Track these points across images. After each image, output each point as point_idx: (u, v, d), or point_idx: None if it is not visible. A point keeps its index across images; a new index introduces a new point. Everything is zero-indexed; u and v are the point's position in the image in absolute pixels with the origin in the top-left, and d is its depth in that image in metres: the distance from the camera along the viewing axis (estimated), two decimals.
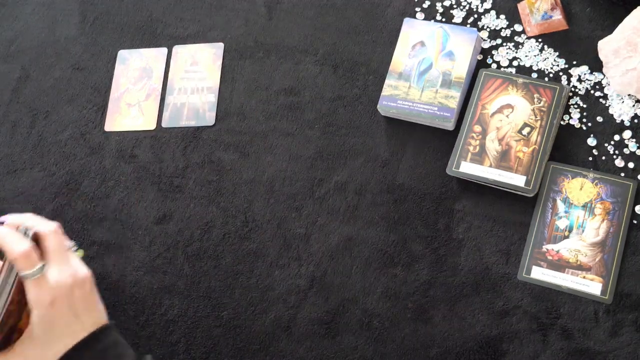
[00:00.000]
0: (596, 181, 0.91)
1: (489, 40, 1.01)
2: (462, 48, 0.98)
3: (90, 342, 0.72)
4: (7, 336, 0.70)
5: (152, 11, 1.14)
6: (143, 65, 1.11)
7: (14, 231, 0.73)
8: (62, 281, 0.73)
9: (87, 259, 1.00)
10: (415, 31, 1.01)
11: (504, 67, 0.99)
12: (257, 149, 1.03)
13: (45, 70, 1.14)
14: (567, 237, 0.89)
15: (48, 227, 0.76)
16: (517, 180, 0.91)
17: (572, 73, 0.97)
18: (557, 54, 0.99)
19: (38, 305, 0.71)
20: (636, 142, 0.93)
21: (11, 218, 0.76)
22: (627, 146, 0.93)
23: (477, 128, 0.95)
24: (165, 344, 0.95)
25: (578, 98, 0.96)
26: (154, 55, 1.11)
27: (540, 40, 1.00)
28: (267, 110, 1.05)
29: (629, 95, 0.94)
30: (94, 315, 0.75)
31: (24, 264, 0.71)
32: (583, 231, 0.89)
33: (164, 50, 1.11)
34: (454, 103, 0.96)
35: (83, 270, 0.76)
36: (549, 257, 0.89)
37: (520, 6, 1.02)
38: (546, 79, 0.98)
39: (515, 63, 0.99)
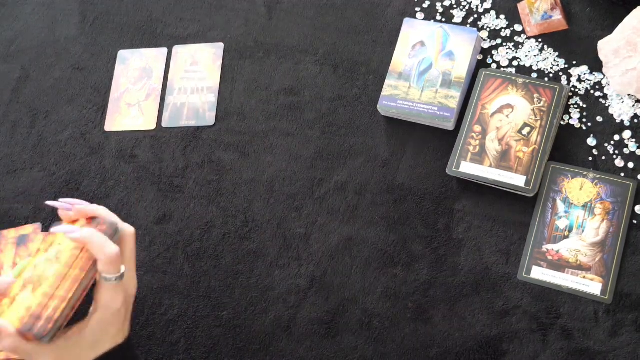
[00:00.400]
0: (596, 181, 0.91)
1: (489, 40, 1.01)
2: (462, 48, 0.98)
3: (125, 346, 0.73)
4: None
5: (152, 11, 1.14)
6: (143, 65, 1.11)
7: (99, 232, 0.72)
8: (132, 291, 0.74)
9: None
10: (415, 31, 1.01)
11: (504, 67, 0.99)
12: (257, 149, 1.03)
13: (45, 70, 1.14)
14: (567, 237, 0.89)
15: (130, 230, 0.76)
16: (517, 180, 0.91)
17: (572, 73, 0.97)
18: (557, 54, 0.99)
19: (106, 310, 0.71)
20: (636, 142, 0.93)
21: (88, 207, 0.75)
22: (627, 146, 0.93)
23: (477, 128, 0.95)
24: (165, 344, 0.95)
25: (578, 98, 0.96)
26: (154, 55, 1.11)
27: (540, 40, 1.00)
28: (267, 110, 1.05)
29: (629, 95, 0.94)
30: (128, 326, 0.76)
31: (110, 268, 0.70)
32: (583, 231, 0.89)
33: (164, 50, 1.11)
34: (454, 103, 0.96)
35: (135, 280, 0.77)
36: (549, 257, 0.89)
37: (520, 6, 1.02)
38: (546, 79, 0.98)
39: (515, 63, 0.99)
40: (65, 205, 0.74)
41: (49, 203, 0.75)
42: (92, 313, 0.71)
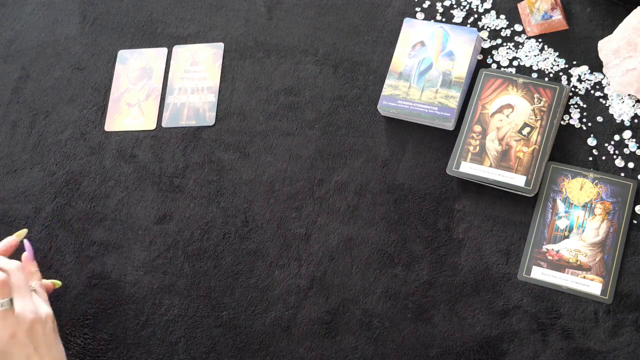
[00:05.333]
0: (596, 181, 0.91)
1: (489, 40, 1.01)
2: (462, 48, 0.98)
3: None
4: None
5: (152, 11, 1.14)
6: (143, 65, 1.11)
7: None
8: (25, 316, 0.74)
9: (86, 260, 1.01)
10: (415, 31, 1.01)
11: (504, 67, 0.99)
12: (257, 149, 1.03)
13: (45, 70, 1.14)
14: (567, 237, 0.89)
15: (11, 265, 0.78)
16: (517, 180, 0.91)
17: (572, 73, 0.97)
18: (557, 54, 0.99)
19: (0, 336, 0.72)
20: (636, 142, 0.93)
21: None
22: (627, 146, 0.93)
23: (477, 128, 0.95)
24: (165, 343, 0.95)
25: (578, 98, 0.96)
26: (154, 55, 1.11)
27: (540, 40, 1.00)
28: (267, 110, 1.05)
29: (629, 95, 0.94)
30: (53, 353, 0.76)
31: None
32: (583, 231, 0.89)
33: (164, 50, 1.11)
34: (454, 103, 0.96)
35: (45, 309, 0.78)
36: (549, 257, 0.89)
37: (520, 6, 1.02)
38: (546, 79, 0.98)
39: (515, 63, 0.99)
40: None
41: None
42: None
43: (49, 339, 0.76)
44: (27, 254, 0.88)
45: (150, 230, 1.01)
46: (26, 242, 0.89)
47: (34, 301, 0.78)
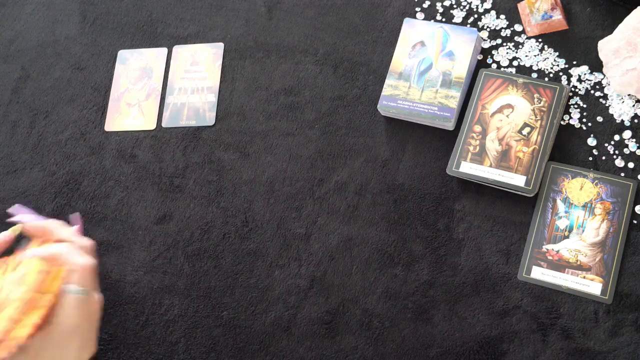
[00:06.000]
0: (596, 181, 0.91)
1: (489, 40, 1.01)
2: (462, 48, 0.98)
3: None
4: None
5: (152, 11, 1.14)
6: (143, 65, 1.11)
7: (72, 245, 0.72)
8: (94, 307, 0.73)
9: None
10: (415, 31, 1.01)
11: (504, 67, 0.99)
12: (257, 149, 1.03)
13: (45, 70, 1.14)
14: (567, 237, 0.89)
15: (86, 243, 0.76)
16: (517, 180, 0.91)
17: (572, 73, 0.97)
18: (557, 54, 0.99)
19: (66, 322, 0.70)
20: (636, 142, 0.93)
21: (38, 223, 0.75)
22: (627, 146, 0.93)
23: (477, 128, 0.95)
24: (165, 343, 0.95)
25: (578, 98, 0.96)
26: (154, 55, 1.11)
27: (540, 40, 1.00)
28: (267, 110, 1.05)
29: (629, 95, 0.94)
30: (94, 344, 0.75)
31: (86, 281, 0.70)
32: (583, 231, 0.89)
33: (164, 50, 1.11)
34: (454, 103, 0.96)
35: (100, 299, 0.77)
36: (549, 257, 0.89)
37: (520, 6, 1.02)
38: (546, 79, 0.98)
39: (515, 63, 0.99)
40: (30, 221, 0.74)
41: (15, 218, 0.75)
42: (49, 327, 0.70)
43: (96, 331, 0.75)
44: (79, 229, 0.82)
45: (150, 230, 1.01)
46: (76, 216, 0.84)
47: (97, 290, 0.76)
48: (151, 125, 1.07)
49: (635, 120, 0.94)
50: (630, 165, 0.92)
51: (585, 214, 0.90)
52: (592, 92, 0.96)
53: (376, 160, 0.99)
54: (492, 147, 0.93)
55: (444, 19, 1.04)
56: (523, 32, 1.01)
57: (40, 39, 1.16)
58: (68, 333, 0.70)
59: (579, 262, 0.88)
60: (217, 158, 1.03)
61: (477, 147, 0.94)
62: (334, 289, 0.94)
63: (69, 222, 0.84)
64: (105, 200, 1.04)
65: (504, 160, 0.92)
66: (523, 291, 0.89)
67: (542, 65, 0.98)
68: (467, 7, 1.04)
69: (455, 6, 1.04)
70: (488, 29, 1.02)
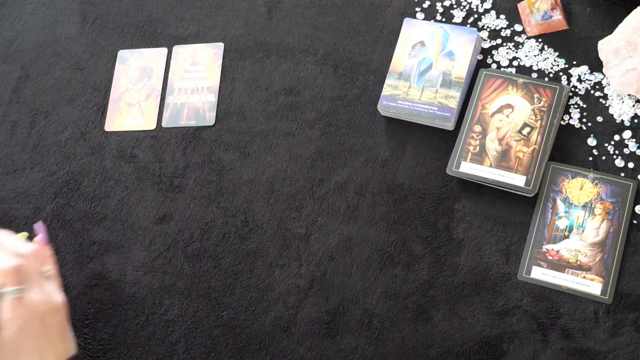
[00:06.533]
0: (596, 181, 0.91)
1: (489, 40, 1.01)
2: (462, 48, 0.98)
3: None
4: None
5: (152, 11, 1.14)
6: (143, 65, 1.11)
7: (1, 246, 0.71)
8: (38, 306, 0.70)
9: (86, 260, 1.01)
10: (415, 31, 1.01)
11: (504, 67, 0.99)
12: (257, 149, 1.03)
13: (45, 70, 1.14)
14: (567, 237, 0.89)
15: (27, 248, 0.74)
16: (517, 180, 0.91)
17: (572, 73, 0.97)
18: (557, 54, 0.99)
19: (10, 325, 0.68)
20: (636, 142, 0.93)
21: None
22: (627, 146, 0.93)
23: (477, 128, 0.95)
24: (165, 344, 0.95)
25: (578, 98, 0.96)
26: (154, 55, 1.11)
27: (540, 40, 1.00)
28: (267, 110, 1.05)
29: (629, 95, 0.94)
30: (65, 344, 0.72)
31: (10, 280, 0.68)
32: (583, 231, 0.89)
33: (164, 50, 1.11)
34: (454, 103, 0.96)
35: (59, 298, 0.74)
36: (549, 257, 0.89)
37: (520, 6, 1.02)
38: (546, 79, 0.98)
39: (515, 63, 0.99)
40: None
41: None
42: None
43: (62, 330, 0.72)
44: (41, 238, 0.82)
45: (150, 230, 1.01)
46: (40, 225, 0.84)
47: (48, 289, 0.73)
48: (151, 125, 1.07)
49: (635, 120, 0.94)
50: (630, 165, 0.92)
51: (585, 214, 0.90)
52: (592, 92, 0.96)
53: (376, 160, 0.99)
54: (492, 147, 0.93)
55: (444, 19, 1.04)
56: (523, 32, 1.01)
57: (40, 39, 1.16)
58: (18, 336, 0.68)
59: (579, 262, 0.88)
60: (217, 158, 1.03)
61: (477, 147, 0.94)
62: (334, 289, 0.94)
63: (34, 232, 0.84)
64: (105, 200, 1.04)
65: (504, 160, 0.92)
66: (523, 291, 0.89)
67: (542, 65, 0.98)
68: (467, 7, 1.04)
69: (455, 6, 1.04)
70: (488, 29, 1.02)
